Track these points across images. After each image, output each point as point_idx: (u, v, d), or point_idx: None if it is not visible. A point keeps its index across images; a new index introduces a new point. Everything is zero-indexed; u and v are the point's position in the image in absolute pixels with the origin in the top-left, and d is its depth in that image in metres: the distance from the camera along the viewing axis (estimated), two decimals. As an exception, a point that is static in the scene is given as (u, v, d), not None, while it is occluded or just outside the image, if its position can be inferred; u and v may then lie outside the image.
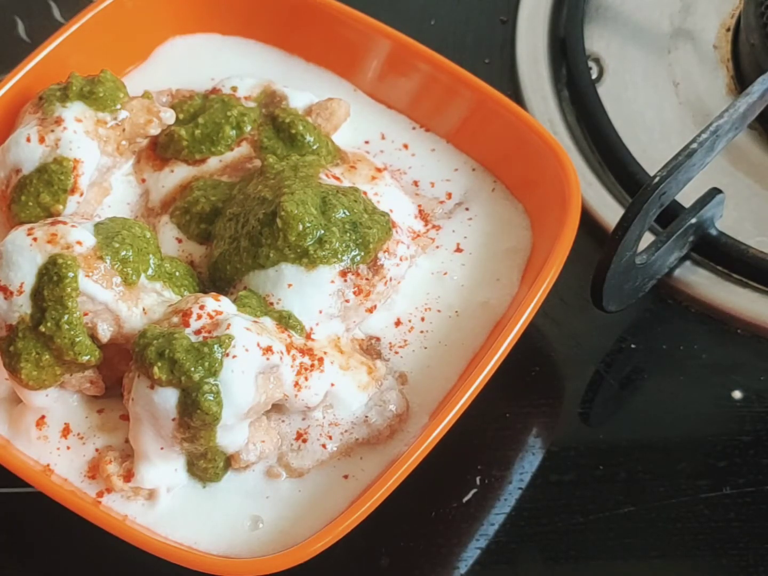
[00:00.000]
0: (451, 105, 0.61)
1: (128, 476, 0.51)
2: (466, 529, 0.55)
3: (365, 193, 0.57)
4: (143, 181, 0.61)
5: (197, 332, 0.49)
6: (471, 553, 0.54)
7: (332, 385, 0.52)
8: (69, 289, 0.50)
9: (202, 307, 0.50)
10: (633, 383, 0.59)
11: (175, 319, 0.50)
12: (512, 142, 0.60)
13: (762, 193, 0.64)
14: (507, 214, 0.60)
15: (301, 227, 0.52)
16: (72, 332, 0.50)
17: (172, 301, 0.52)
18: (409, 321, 0.56)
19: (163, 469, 0.51)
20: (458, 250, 0.58)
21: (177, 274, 0.54)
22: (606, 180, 0.65)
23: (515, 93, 0.69)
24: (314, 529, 0.49)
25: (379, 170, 0.60)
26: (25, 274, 0.51)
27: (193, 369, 0.48)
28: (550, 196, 0.57)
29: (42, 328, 0.50)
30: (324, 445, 0.52)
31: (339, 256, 0.53)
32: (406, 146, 0.62)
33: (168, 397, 0.48)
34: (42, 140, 0.56)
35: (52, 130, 0.57)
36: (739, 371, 0.58)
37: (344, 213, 0.54)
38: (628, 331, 0.60)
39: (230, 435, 0.50)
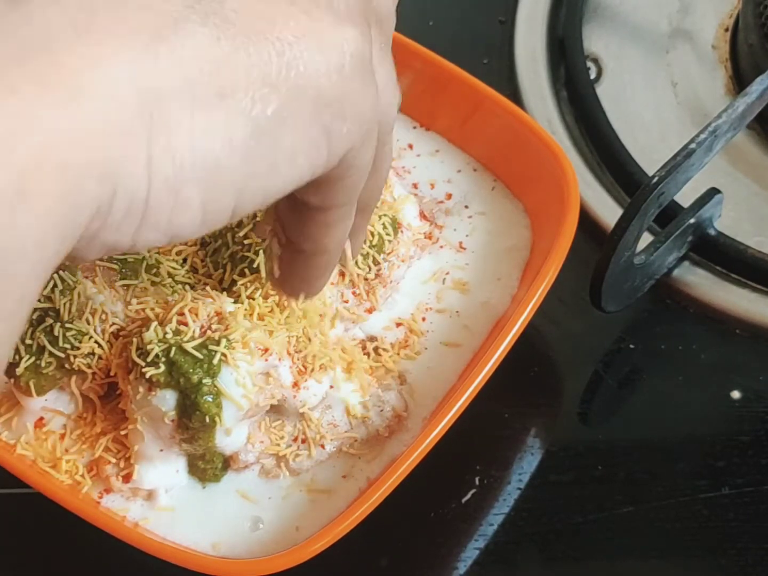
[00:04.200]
0: (450, 105, 0.61)
1: (127, 477, 0.51)
2: (465, 529, 0.55)
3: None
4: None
5: (196, 333, 0.49)
6: (470, 553, 0.54)
7: (331, 386, 0.52)
8: (68, 291, 0.50)
9: (201, 308, 0.50)
10: (631, 383, 0.60)
11: (175, 320, 0.50)
12: (511, 142, 0.60)
13: (761, 193, 0.64)
14: (507, 213, 0.60)
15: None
16: (72, 335, 0.50)
17: (172, 302, 0.52)
18: (410, 321, 0.56)
19: (163, 470, 0.51)
20: (459, 249, 0.58)
21: (177, 274, 0.54)
22: (605, 180, 0.65)
23: (514, 93, 0.69)
24: (314, 529, 0.49)
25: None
26: (24, 275, 0.51)
27: (191, 370, 0.48)
28: (549, 196, 0.57)
29: (41, 332, 0.50)
30: (323, 446, 0.52)
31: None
32: (410, 146, 0.62)
33: (166, 399, 0.48)
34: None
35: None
36: (738, 371, 0.59)
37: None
38: (627, 331, 0.60)
39: (229, 436, 0.50)
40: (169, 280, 0.54)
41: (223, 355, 0.48)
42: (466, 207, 0.60)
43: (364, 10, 0.37)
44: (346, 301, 0.54)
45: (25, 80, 0.30)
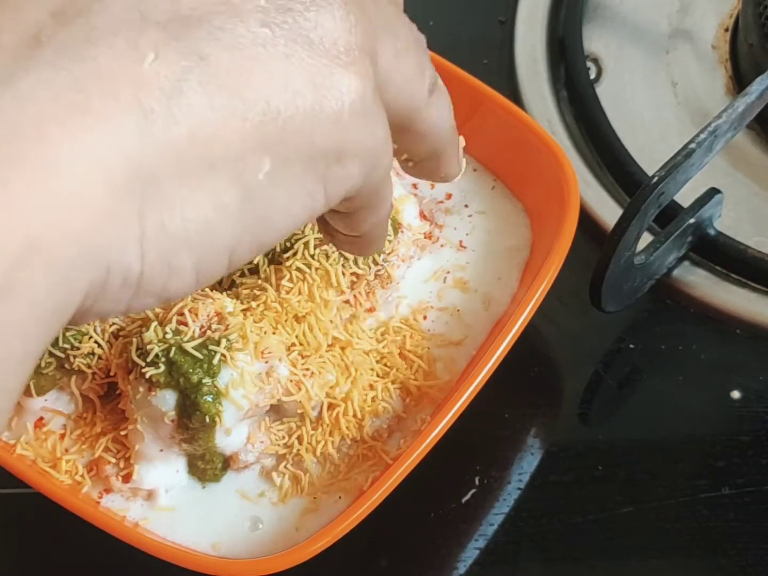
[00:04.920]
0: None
1: (127, 477, 0.51)
2: (465, 530, 0.55)
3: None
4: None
5: (196, 333, 0.49)
6: (470, 554, 0.54)
7: (331, 386, 0.52)
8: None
9: (201, 308, 0.50)
10: (632, 383, 0.60)
11: (174, 320, 0.50)
12: (511, 142, 0.60)
13: (761, 193, 0.64)
14: (507, 212, 0.60)
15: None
16: (72, 335, 0.50)
17: (172, 302, 0.52)
18: (410, 320, 0.56)
19: (163, 470, 0.51)
20: (459, 249, 0.58)
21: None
22: (604, 180, 0.65)
23: (514, 93, 0.69)
24: (314, 529, 0.49)
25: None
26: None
27: (191, 370, 0.48)
28: (549, 196, 0.57)
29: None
30: (323, 446, 0.52)
31: (340, 259, 0.53)
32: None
33: (166, 399, 0.48)
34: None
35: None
36: (738, 371, 0.58)
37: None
38: (627, 331, 0.60)
39: (229, 436, 0.50)
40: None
41: (223, 355, 0.48)
42: (466, 206, 0.60)
43: (363, 43, 0.35)
44: (347, 302, 0.54)
45: (13, 170, 0.29)
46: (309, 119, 0.34)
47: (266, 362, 0.50)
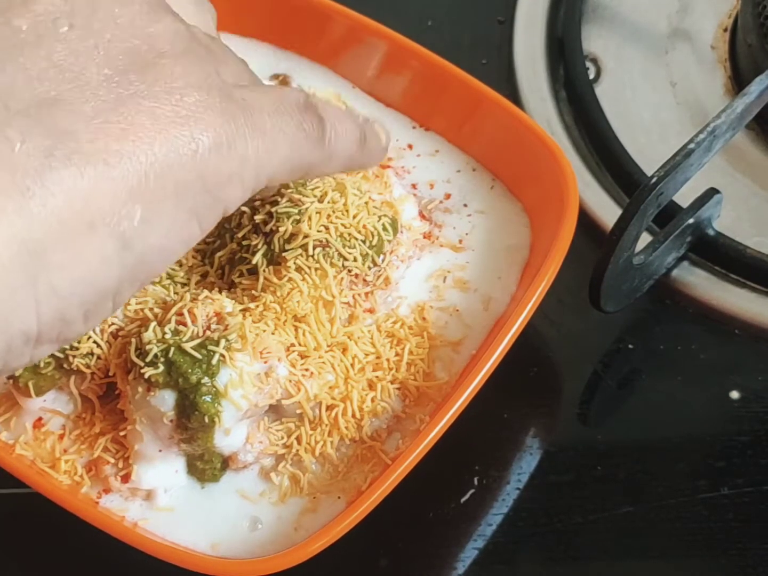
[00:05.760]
0: (449, 105, 0.61)
1: (126, 477, 0.51)
2: (464, 530, 0.55)
3: (368, 191, 0.56)
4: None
5: (195, 333, 0.49)
6: (469, 554, 0.54)
7: (330, 387, 0.52)
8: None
9: (201, 308, 0.50)
10: (631, 384, 0.60)
11: (173, 320, 0.50)
12: (510, 142, 0.60)
13: (760, 193, 0.64)
14: (506, 212, 0.60)
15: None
16: (70, 334, 0.50)
17: (171, 302, 0.52)
18: (410, 321, 0.56)
19: (162, 470, 0.51)
20: (459, 248, 0.58)
21: (176, 275, 0.54)
22: (604, 180, 0.65)
23: (513, 93, 0.69)
24: (313, 529, 0.49)
25: (383, 167, 0.60)
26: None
27: (190, 370, 0.48)
28: (548, 196, 0.57)
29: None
30: (322, 446, 0.52)
31: (339, 260, 0.53)
32: (410, 146, 0.62)
33: (165, 399, 0.48)
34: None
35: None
36: (737, 371, 0.59)
37: (347, 219, 0.53)
38: (626, 331, 0.60)
39: (228, 436, 0.50)
40: (168, 281, 0.54)
41: (222, 355, 0.48)
42: (465, 206, 0.60)
43: (205, 80, 0.40)
44: (346, 303, 0.54)
45: None
46: (168, 161, 0.38)
47: (265, 362, 0.50)
